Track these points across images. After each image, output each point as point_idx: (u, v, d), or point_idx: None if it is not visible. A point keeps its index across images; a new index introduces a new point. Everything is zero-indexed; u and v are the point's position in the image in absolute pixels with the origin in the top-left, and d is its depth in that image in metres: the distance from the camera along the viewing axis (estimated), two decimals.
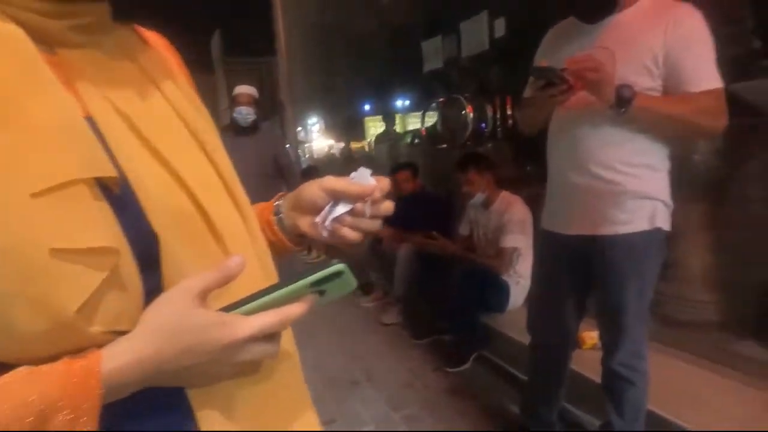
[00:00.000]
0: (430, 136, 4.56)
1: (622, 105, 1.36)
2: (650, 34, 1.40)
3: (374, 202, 0.57)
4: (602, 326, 1.66)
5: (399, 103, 6.42)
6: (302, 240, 0.64)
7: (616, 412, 1.65)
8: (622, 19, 1.46)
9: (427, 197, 3.79)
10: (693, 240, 2.52)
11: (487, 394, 2.52)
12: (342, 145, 8.53)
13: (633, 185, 1.46)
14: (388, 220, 2.73)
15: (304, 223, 0.60)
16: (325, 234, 0.58)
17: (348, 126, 7.94)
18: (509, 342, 2.69)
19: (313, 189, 0.58)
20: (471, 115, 3.69)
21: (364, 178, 0.56)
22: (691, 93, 1.37)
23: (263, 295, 0.43)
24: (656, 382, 1.69)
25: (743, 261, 2.34)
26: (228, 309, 0.43)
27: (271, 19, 8.68)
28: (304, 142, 11.16)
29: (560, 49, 1.56)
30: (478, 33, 3.46)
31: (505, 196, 2.91)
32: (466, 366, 2.78)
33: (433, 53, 4.12)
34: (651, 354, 2.34)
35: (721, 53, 2.48)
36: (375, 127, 7.27)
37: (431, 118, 4.54)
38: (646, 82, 1.41)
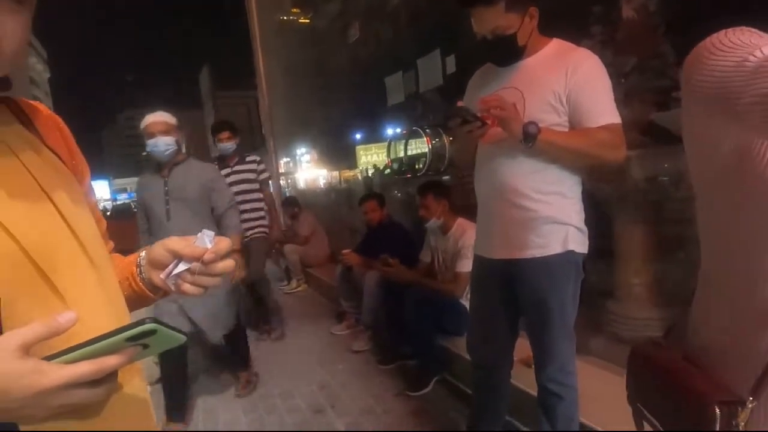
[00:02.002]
0: (397, 166, 4.73)
1: (529, 139, 1.50)
2: (554, 76, 1.56)
3: (207, 263, 0.64)
4: (532, 345, 1.76)
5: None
6: (159, 290, 0.72)
7: (550, 425, 1.75)
8: (530, 63, 1.62)
9: (393, 226, 3.91)
10: (636, 261, 2.66)
11: (447, 417, 2.59)
12: (333, 174, 8.69)
13: (546, 211, 1.59)
14: (357, 249, 2.88)
15: (155, 277, 0.69)
16: (172, 287, 0.67)
17: (339, 155, 8.11)
18: (469, 365, 2.77)
19: (159, 248, 0.67)
20: (429, 146, 3.86)
21: (203, 241, 0.64)
22: (592, 128, 1.52)
23: (86, 346, 0.49)
24: (605, 398, 1.77)
25: (683, 278, 2.47)
26: (51, 357, 0.47)
27: (251, 56, 8.95)
28: (291, 173, 11.32)
29: (480, 89, 1.72)
30: (433, 69, 3.66)
31: (461, 222, 3.03)
32: (427, 390, 2.86)
33: (396, 88, 4.32)
34: (600, 371, 2.47)
35: (647, 85, 2.67)
36: (367, 155, 7.45)
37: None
38: (553, 118, 1.56)
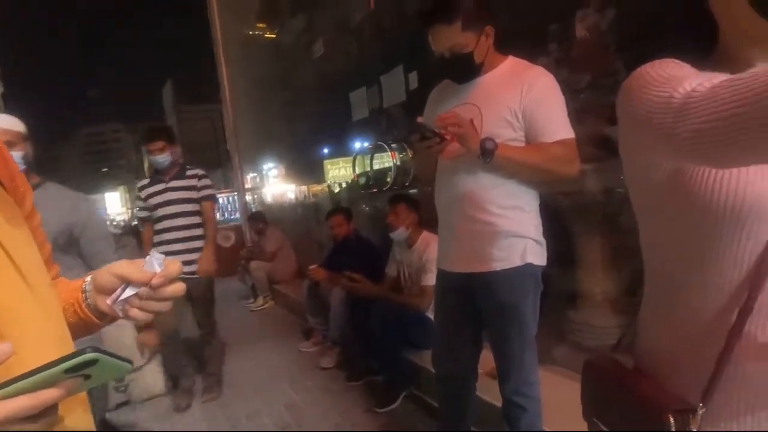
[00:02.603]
0: (364, 180, 4.75)
1: (487, 155, 1.53)
2: (509, 93, 1.60)
3: (156, 287, 0.62)
4: (495, 357, 1.78)
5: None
6: (106, 316, 0.70)
7: None
8: (486, 80, 1.66)
9: (360, 241, 3.91)
10: (596, 270, 2.73)
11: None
12: (301, 188, 8.65)
13: (505, 225, 1.62)
14: (323, 264, 2.85)
15: (102, 303, 0.67)
16: (120, 313, 0.65)
17: (307, 170, 8.08)
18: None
19: (105, 273, 0.65)
20: (394, 160, 3.89)
21: (151, 265, 0.62)
22: (547, 143, 1.56)
23: (22, 379, 0.46)
24: (568, 407, 1.79)
25: (640, 287, 2.56)
26: None
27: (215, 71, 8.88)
28: (258, 188, 11.20)
29: (439, 106, 1.75)
30: (396, 85, 3.71)
31: (425, 236, 3.06)
32: (395, 405, 2.84)
33: (360, 103, 4.36)
34: (563, 379, 2.51)
35: (601, 101, 2.77)
36: (334, 170, 7.45)
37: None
38: (509, 134, 1.60)
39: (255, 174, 11.75)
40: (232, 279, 7.19)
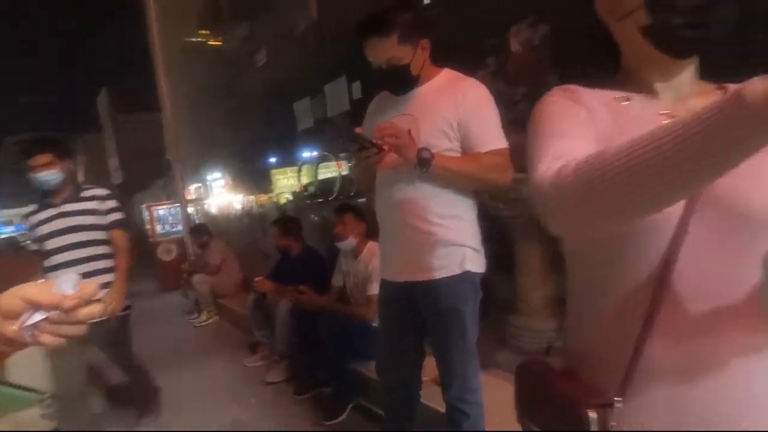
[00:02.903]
0: (310, 190, 4.72)
1: (424, 165, 1.56)
2: (445, 104, 1.64)
3: (68, 310, 0.58)
4: (437, 365, 1.80)
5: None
6: (15, 343, 0.63)
7: None
8: (423, 91, 1.70)
9: (308, 251, 3.87)
10: (535, 275, 2.82)
11: None
12: (249, 198, 8.45)
13: (444, 234, 1.65)
14: (269, 275, 2.78)
15: (8, 329, 0.60)
16: (29, 339, 0.59)
17: (254, 179, 7.91)
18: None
19: (10, 297, 0.60)
20: (339, 170, 3.89)
21: (60, 287, 0.58)
22: (481, 152, 1.61)
23: None
24: (511, 411, 1.83)
25: None
26: None
27: (154, 79, 8.59)
28: (201, 199, 10.87)
29: (378, 116, 1.77)
30: (340, 95, 3.72)
31: (371, 246, 3.06)
32: (343, 417, 2.81)
33: (304, 113, 4.34)
34: (506, 384, 2.56)
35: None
36: (282, 179, 7.33)
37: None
38: (445, 144, 1.63)
39: (199, 184, 11.41)
40: (174, 294, 6.95)
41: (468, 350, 1.72)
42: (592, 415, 0.71)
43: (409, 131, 1.63)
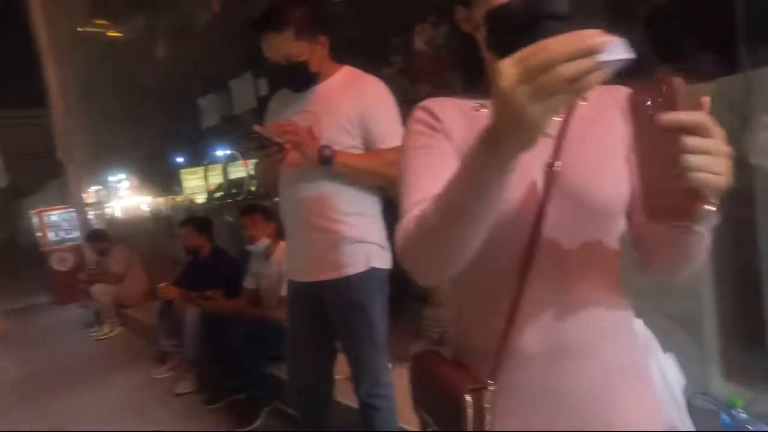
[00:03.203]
0: (219, 191, 4.53)
1: (325, 162, 1.55)
2: (345, 101, 1.63)
3: None
4: (348, 362, 1.80)
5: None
6: None
7: None
8: (323, 88, 1.68)
9: (218, 256, 3.71)
10: None
11: None
12: (158, 200, 7.90)
13: (348, 232, 1.64)
14: (176, 281, 2.58)
15: None
16: None
17: (162, 180, 7.41)
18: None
19: None
20: (247, 169, 3.77)
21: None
22: (383, 149, 1.62)
23: None
24: None
25: None
26: None
27: (40, 71, 7.80)
28: (102, 203, 10.05)
29: (278, 114, 1.73)
30: (246, 91, 3.60)
31: (282, 246, 2.99)
32: (258, 422, 2.74)
33: (210, 110, 4.15)
34: None
35: None
36: (193, 180, 6.95)
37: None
38: (347, 141, 1.63)
39: (100, 187, 10.56)
40: (72, 307, 6.40)
41: (377, 346, 1.74)
42: (468, 398, 0.75)
43: (311, 128, 1.60)
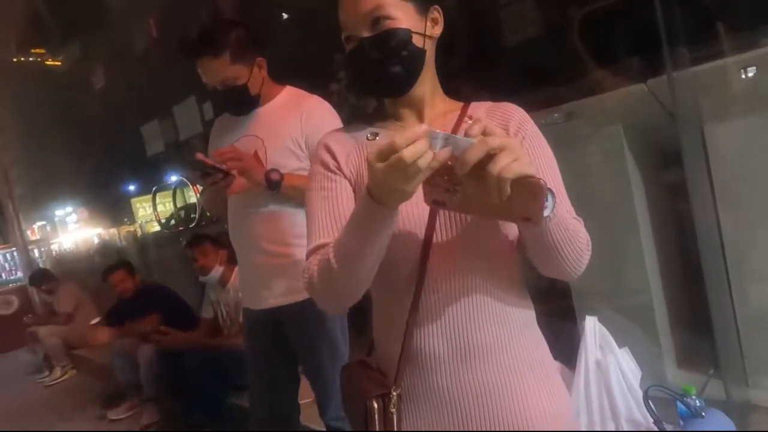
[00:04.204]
0: (168, 218, 4.39)
1: (273, 187, 1.51)
2: (289, 122, 1.61)
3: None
4: (311, 387, 1.76)
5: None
6: None
7: None
8: (265, 110, 1.65)
9: (154, 291, 3.60)
10: None
11: None
12: (111, 231, 7.54)
13: (300, 255, 1.60)
14: (108, 320, 2.41)
15: None
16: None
17: (113, 211, 7.10)
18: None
19: None
20: (197, 195, 3.67)
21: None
22: None
23: None
24: None
25: None
26: None
27: None
28: (46, 239, 9.54)
29: (221, 139, 1.69)
30: (191, 116, 3.52)
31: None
32: None
33: (153, 137, 4.04)
34: None
35: None
36: (144, 208, 6.67)
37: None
38: (294, 163, 1.60)
39: (44, 222, 10.04)
40: (18, 352, 6.02)
41: (339, 367, 1.70)
42: (374, 404, 0.81)
43: (256, 153, 1.57)
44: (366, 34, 0.82)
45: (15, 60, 7.69)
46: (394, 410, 0.81)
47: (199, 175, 1.51)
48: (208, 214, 3.97)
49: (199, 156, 1.54)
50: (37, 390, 4.79)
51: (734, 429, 1.37)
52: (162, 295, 3.57)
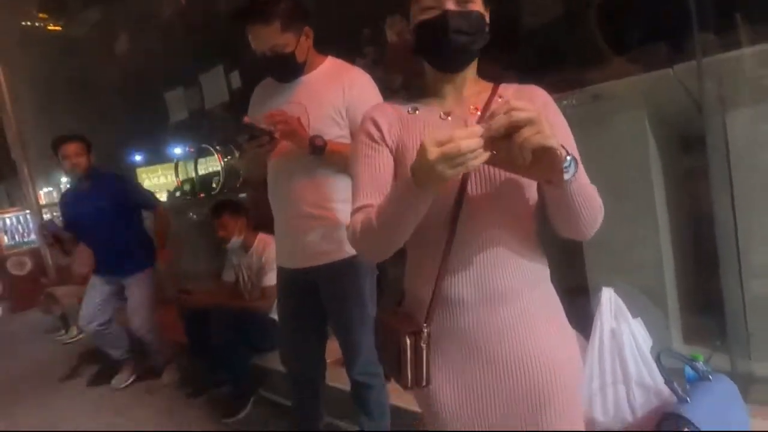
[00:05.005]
0: (188, 186, 4.47)
1: (316, 151, 1.60)
2: (332, 92, 1.68)
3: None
4: (340, 344, 1.87)
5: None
6: None
7: (365, 414, 1.88)
8: (309, 79, 1.73)
9: (104, 176, 3.37)
10: None
11: None
12: None
13: (337, 218, 1.70)
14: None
15: None
16: None
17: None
18: (283, 377, 2.77)
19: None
20: (221, 163, 3.75)
21: None
22: None
23: None
24: None
25: None
26: None
27: None
28: (53, 204, 9.63)
29: (264, 105, 1.76)
30: (217, 85, 3.57)
31: (262, 237, 3.02)
32: (245, 412, 2.77)
33: (177, 104, 4.09)
34: None
35: None
36: (151, 178, 6.74)
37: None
38: (335, 131, 1.68)
39: (51, 188, 10.13)
40: (33, 311, 6.16)
41: (368, 326, 1.80)
42: (406, 339, 0.91)
43: (299, 119, 1.65)
44: (452, 7, 0.90)
45: (28, 24, 7.69)
46: (424, 345, 0.92)
47: (246, 139, 1.60)
48: (219, 184, 4.06)
49: (247, 119, 1.62)
50: (55, 347, 4.94)
51: (737, 392, 1.48)
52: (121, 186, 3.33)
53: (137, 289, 3.27)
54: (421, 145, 0.75)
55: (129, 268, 3.27)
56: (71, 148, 3.12)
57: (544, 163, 0.76)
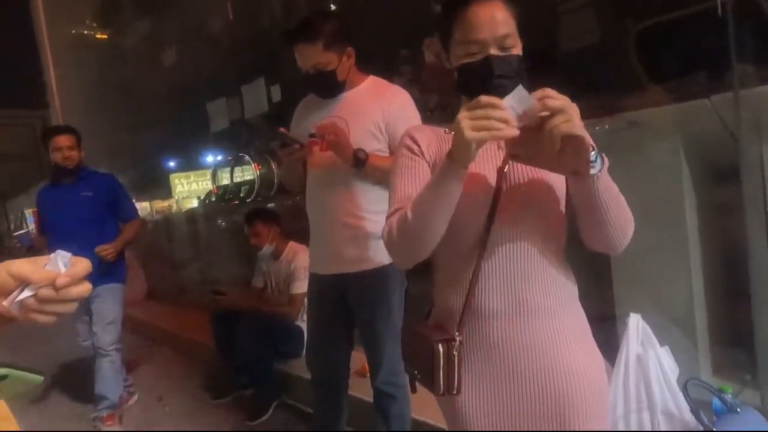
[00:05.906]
0: (223, 193, 4.62)
1: (359, 164, 1.67)
2: (373, 107, 1.76)
3: (60, 288, 0.58)
4: (366, 353, 1.91)
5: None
6: (2, 318, 0.63)
7: (385, 425, 1.90)
8: (351, 95, 1.81)
9: (94, 174, 3.14)
10: None
11: None
12: (150, 204, 7.91)
13: (372, 228, 1.76)
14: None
15: None
16: (18, 315, 0.60)
17: (153, 185, 7.44)
18: (306, 384, 2.81)
19: (2, 272, 0.60)
20: (257, 172, 3.88)
21: (55, 264, 0.58)
22: None
23: None
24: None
25: None
26: None
27: (40, 71, 7.87)
28: None
29: (306, 119, 1.85)
30: (258, 96, 3.72)
31: (292, 246, 3.11)
32: (267, 416, 2.82)
33: (219, 114, 4.27)
34: None
35: (449, 119, 3.12)
36: (184, 184, 6.98)
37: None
38: (374, 145, 1.75)
39: None
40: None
41: (394, 336, 1.84)
42: (439, 347, 0.94)
43: (347, 132, 1.73)
44: (494, 52, 0.96)
45: (80, 33, 8.11)
46: (456, 353, 0.95)
47: (279, 145, 1.70)
48: (254, 192, 4.18)
49: (282, 130, 1.73)
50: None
51: (767, 425, 1.45)
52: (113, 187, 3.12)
53: (107, 301, 3.03)
54: (457, 118, 0.80)
55: (100, 275, 2.81)
56: (64, 140, 2.90)
57: (571, 152, 0.80)
